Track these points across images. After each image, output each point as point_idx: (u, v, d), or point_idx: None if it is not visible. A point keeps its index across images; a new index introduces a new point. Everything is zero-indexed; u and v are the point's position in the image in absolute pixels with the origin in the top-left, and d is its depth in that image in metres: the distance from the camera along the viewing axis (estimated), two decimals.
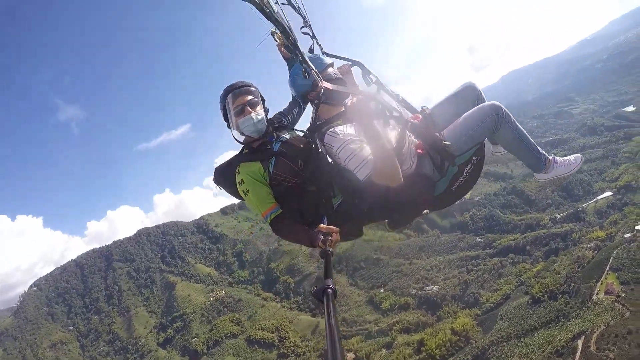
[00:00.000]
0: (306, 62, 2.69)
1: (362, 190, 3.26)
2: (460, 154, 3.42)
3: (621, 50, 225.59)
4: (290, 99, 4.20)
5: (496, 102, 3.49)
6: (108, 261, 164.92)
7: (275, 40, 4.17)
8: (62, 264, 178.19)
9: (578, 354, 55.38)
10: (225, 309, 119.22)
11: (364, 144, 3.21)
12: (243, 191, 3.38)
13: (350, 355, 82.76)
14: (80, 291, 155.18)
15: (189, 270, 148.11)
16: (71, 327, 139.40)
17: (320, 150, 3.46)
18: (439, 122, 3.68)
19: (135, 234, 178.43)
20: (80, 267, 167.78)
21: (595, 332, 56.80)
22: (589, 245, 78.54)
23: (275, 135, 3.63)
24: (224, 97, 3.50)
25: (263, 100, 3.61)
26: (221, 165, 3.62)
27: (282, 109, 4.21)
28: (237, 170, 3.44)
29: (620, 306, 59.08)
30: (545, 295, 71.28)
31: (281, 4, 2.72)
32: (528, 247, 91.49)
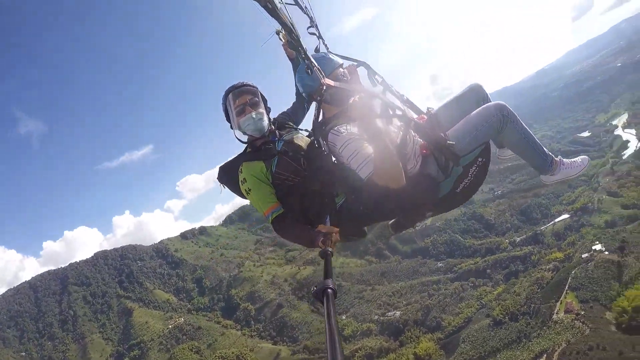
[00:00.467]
0: (308, 58, 2.81)
1: (365, 190, 3.25)
2: (465, 155, 3.34)
3: (577, 79, 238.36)
4: (295, 100, 4.21)
5: (501, 102, 3.45)
6: (63, 284, 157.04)
7: (281, 39, 4.11)
8: (15, 285, 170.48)
9: None
10: (184, 337, 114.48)
11: (366, 143, 3.17)
12: (245, 190, 3.42)
13: None
14: (33, 315, 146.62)
15: (147, 296, 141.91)
16: (23, 353, 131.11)
17: (323, 149, 3.46)
18: (443, 123, 3.58)
19: (92, 256, 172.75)
20: (34, 289, 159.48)
21: (556, 351, 57.41)
22: (548, 267, 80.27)
23: (278, 134, 3.65)
24: (225, 98, 3.56)
25: (264, 100, 3.64)
26: (225, 164, 3.65)
27: (286, 109, 4.21)
28: (240, 169, 3.47)
29: (580, 324, 60.12)
30: (507, 317, 71.90)
31: (287, 4, 2.92)
32: (488, 271, 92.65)
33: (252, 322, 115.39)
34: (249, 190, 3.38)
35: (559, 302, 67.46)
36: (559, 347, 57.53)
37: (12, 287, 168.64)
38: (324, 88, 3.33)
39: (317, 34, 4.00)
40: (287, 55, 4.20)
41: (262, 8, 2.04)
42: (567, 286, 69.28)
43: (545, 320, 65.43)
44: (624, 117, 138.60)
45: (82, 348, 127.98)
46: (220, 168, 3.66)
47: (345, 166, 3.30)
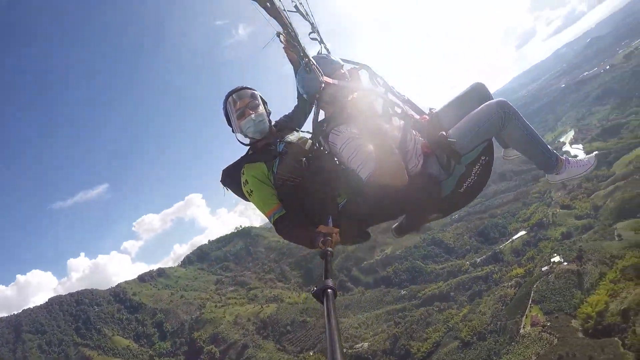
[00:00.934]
0: (307, 56, 2.94)
1: (367, 189, 3.25)
2: (467, 153, 3.33)
3: (524, 102, 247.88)
4: (296, 103, 4.20)
5: (503, 99, 3.44)
6: (17, 332, 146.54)
7: (281, 42, 3.93)
8: None
9: None
10: None
11: (367, 142, 3.19)
12: (247, 191, 3.46)
13: None
14: None
15: (105, 343, 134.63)
16: None
17: (324, 149, 3.51)
18: (445, 122, 3.59)
19: (47, 302, 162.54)
20: None
21: None
22: (510, 283, 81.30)
23: (279, 136, 3.70)
24: (225, 101, 3.61)
25: (265, 102, 3.70)
26: (228, 167, 3.69)
27: (288, 113, 4.23)
28: (242, 171, 3.52)
29: (548, 335, 60.68)
30: (475, 337, 72.61)
31: (289, 11, 3.09)
32: (452, 293, 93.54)
33: None
34: (251, 191, 3.39)
35: (524, 316, 68.00)
36: None
37: None
38: (323, 86, 3.33)
39: (319, 39, 3.94)
40: (289, 59, 3.99)
41: (262, 9, 2.16)
42: (530, 300, 70.11)
43: (513, 336, 65.74)
44: (570, 134, 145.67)
45: None
46: (223, 171, 3.68)
47: (346, 166, 3.31)
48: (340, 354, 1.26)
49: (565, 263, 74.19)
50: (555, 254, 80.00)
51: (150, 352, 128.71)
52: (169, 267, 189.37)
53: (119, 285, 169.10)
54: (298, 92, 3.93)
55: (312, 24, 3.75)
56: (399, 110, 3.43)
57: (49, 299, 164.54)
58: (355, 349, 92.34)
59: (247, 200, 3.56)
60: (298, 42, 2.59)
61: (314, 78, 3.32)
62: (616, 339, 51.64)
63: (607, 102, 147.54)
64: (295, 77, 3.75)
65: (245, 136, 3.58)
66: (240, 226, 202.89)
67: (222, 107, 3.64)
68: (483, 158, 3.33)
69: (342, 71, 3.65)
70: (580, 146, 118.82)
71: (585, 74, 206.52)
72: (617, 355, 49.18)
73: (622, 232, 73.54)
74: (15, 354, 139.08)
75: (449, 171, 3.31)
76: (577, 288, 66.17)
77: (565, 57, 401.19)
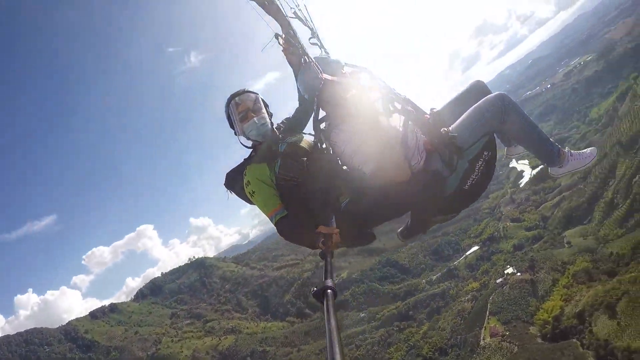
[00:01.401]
0: (306, 54, 3.04)
1: (370, 187, 3.29)
2: (469, 147, 3.33)
3: None
4: (297, 105, 4.19)
5: (502, 92, 3.44)
6: None
7: (280, 44, 3.95)
8: None
9: None
10: None
11: (369, 139, 3.23)
12: (249, 192, 3.47)
13: None
14: None
15: None
16: None
17: (326, 149, 3.55)
18: (446, 120, 3.57)
19: None
20: None
21: None
22: (466, 298, 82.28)
23: (281, 137, 3.70)
24: (227, 105, 3.64)
25: (266, 105, 3.74)
26: (231, 171, 3.71)
27: (289, 116, 4.23)
28: (244, 172, 3.54)
29: (508, 344, 61.28)
30: (436, 353, 73.26)
31: (289, 17, 3.26)
32: (411, 312, 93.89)
33: None
34: (253, 192, 3.40)
35: (483, 328, 68.41)
36: None
37: None
38: (323, 83, 3.34)
39: (319, 44, 3.91)
40: (288, 61, 3.92)
41: (260, 8, 2.21)
42: (487, 312, 70.76)
43: (474, 348, 65.90)
44: None
45: None
46: (227, 174, 3.70)
47: (348, 164, 3.40)
48: (340, 354, 1.26)
49: (519, 273, 75.91)
50: (509, 266, 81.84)
51: None
52: (122, 302, 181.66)
53: (69, 323, 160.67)
54: (299, 93, 3.88)
55: (311, 29, 3.76)
56: (399, 107, 3.37)
57: None
58: None
59: (250, 202, 3.57)
60: (297, 40, 2.57)
61: (314, 77, 3.32)
62: (574, 340, 52.75)
63: (550, 118, 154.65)
64: (296, 80, 3.72)
65: (248, 139, 3.62)
66: (194, 257, 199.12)
67: (225, 109, 3.65)
68: (486, 153, 3.30)
69: (343, 71, 3.61)
70: (526, 161, 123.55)
71: (528, 93, 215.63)
72: (577, 356, 50.19)
73: (570, 239, 76.63)
74: None
75: (452, 167, 3.27)
76: (532, 296, 67.60)
77: (509, 78, 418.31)
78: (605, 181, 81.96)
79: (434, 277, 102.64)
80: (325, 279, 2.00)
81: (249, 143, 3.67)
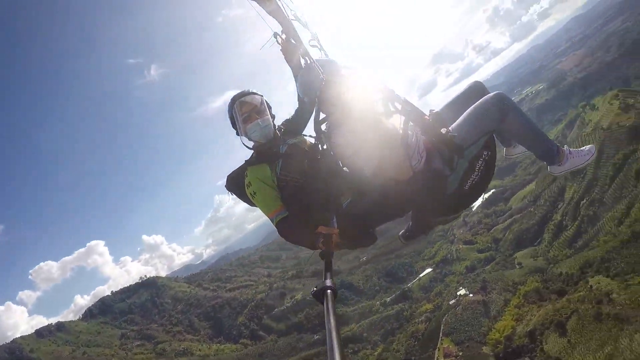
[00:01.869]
0: (307, 54, 3.10)
1: (371, 187, 3.32)
2: (468, 146, 3.31)
3: None
4: (297, 107, 4.16)
5: (500, 91, 3.44)
6: None
7: (278, 43, 3.99)
8: None
9: None
10: None
11: (369, 139, 3.24)
12: (250, 193, 3.47)
13: None
14: None
15: None
16: None
17: (326, 149, 3.54)
18: (446, 120, 3.54)
19: None
20: None
21: None
22: (420, 319, 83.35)
23: (282, 139, 3.72)
24: (231, 106, 3.63)
25: (269, 107, 3.72)
26: (232, 173, 3.73)
27: (289, 117, 4.19)
28: (245, 173, 3.55)
29: None
30: None
31: (291, 20, 3.35)
32: (365, 334, 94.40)
33: None
34: (254, 193, 3.40)
35: (437, 349, 69.04)
36: None
37: None
38: (323, 83, 3.35)
39: (319, 47, 3.91)
40: (287, 61, 3.98)
41: (261, 8, 2.20)
42: (441, 333, 71.59)
43: None
44: None
45: None
46: (228, 177, 3.70)
47: (349, 164, 3.43)
48: (340, 354, 1.26)
49: (471, 295, 77.44)
50: (461, 287, 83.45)
51: None
52: (70, 321, 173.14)
53: (14, 341, 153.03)
54: (299, 95, 3.85)
55: (312, 33, 3.73)
56: (399, 107, 3.33)
57: None
58: None
59: (251, 204, 3.56)
60: (299, 40, 2.52)
61: (314, 78, 3.32)
62: (527, 359, 53.44)
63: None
64: (295, 81, 3.73)
65: (250, 140, 3.58)
66: (145, 276, 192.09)
67: (228, 109, 3.63)
68: (485, 153, 3.30)
69: (342, 72, 3.54)
70: None
71: None
72: None
73: (521, 260, 79.30)
74: None
75: (452, 167, 3.26)
76: (484, 317, 68.83)
77: None
78: (554, 204, 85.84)
79: (388, 299, 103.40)
80: (326, 279, 2.00)
81: (251, 144, 3.62)
